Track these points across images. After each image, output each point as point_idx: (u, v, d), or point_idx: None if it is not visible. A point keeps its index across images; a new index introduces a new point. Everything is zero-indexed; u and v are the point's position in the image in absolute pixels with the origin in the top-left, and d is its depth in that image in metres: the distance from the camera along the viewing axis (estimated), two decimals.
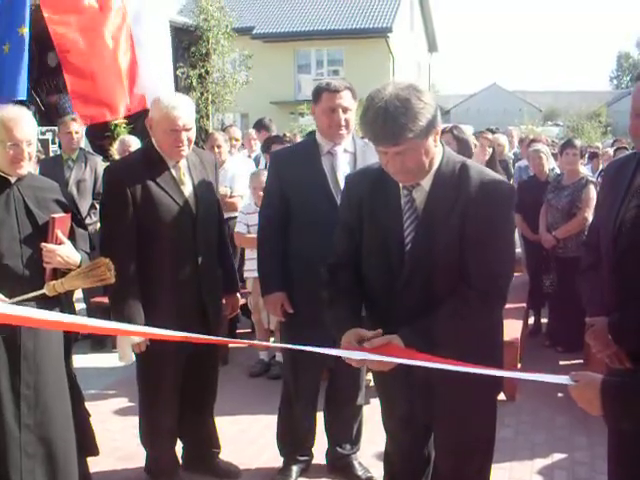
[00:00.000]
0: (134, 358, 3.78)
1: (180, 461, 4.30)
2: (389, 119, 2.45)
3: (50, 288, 3.25)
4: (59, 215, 3.38)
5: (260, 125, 9.18)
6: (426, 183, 2.70)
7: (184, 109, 3.72)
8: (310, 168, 3.88)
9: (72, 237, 3.48)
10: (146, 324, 3.68)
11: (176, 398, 4.04)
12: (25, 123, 3.30)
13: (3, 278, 3.21)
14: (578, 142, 7.32)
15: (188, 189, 3.86)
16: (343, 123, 3.83)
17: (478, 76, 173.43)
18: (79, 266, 3.37)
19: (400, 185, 2.74)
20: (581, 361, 6.44)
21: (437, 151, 2.68)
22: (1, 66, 5.33)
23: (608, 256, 2.67)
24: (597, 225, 2.94)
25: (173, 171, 3.82)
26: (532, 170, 8.02)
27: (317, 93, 3.87)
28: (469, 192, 2.63)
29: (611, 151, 10.21)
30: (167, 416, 4.05)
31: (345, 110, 3.82)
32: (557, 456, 4.61)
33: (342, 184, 3.39)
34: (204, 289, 3.92)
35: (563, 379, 2.20)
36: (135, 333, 3.41)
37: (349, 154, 3.96)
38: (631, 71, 73.47)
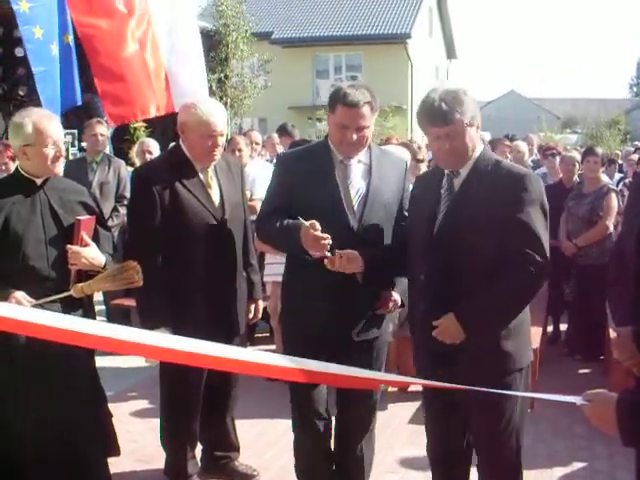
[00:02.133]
0: (158, 361, 3.78)
1: (199, 463, 4.32)
2: (442, 103, 3.02)
3: (78, 290, 3.28)
4: (84, 217, 3.43)
5: (283, 130, 9.21)
6: (464, 171, 3.17)
7: (220, 115, 3.81)
8: (323, 178, 3.43)
9: (96, 239, 3.51)
10: (172, 327, 3.71)
11: (199, 401, 4.06)
12: (54, 125, 3.41)
13: (29, 279, 3.26)
14: (599, 150, 7.30)
15: (215, 193, 3.90)
16: (355, 141, 3.38)
17: (496, 83, 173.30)
18: (104, 268, 3.39)
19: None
20: (599, 370, 6.42)
21: (478, 145, 3.18)
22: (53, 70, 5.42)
23: (631, 265, 2.67)
24: (620, 236, 2.95)
25: (201, 175, 3.87)
26: (555, 177, 8.00)
27: (333, 102, 3.40)
28: (501, 180, 3.09)
29: (635, 157, 10.13)
30: (189, 419, 4.07)
31: (361, 129, 3.37)
32: (577, 465, 4.59)
33: (355, 200, 3.44)
34: (230, 293, 3.96)
35: (576, 399, 2.19)
36: (153, 353, 3.04)
37: (363, 165, 3.52)
38: None
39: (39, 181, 3.42)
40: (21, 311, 2.73)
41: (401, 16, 31.96)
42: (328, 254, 3.24)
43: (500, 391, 2.67)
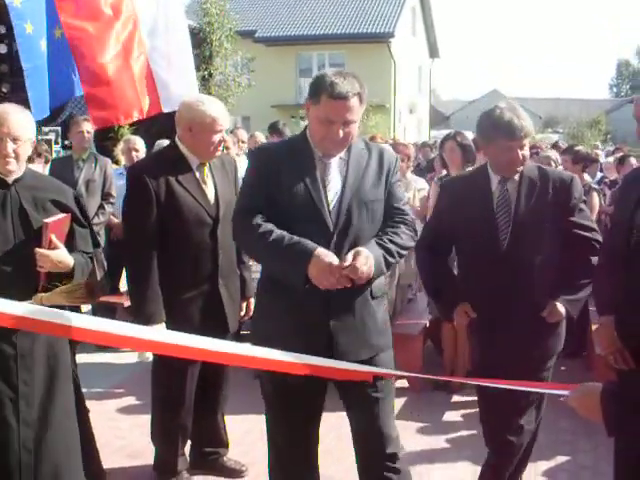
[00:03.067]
0: (151, 356, 3.80)
1: (188, 459, 4.34)
2: (516, 119, 3.43)
3: (37, 300, 3.26)
4: (53, 219, 3.32)
5: (274, 129, 9.22)
6: (516, 176, 3.55)
7: (223, 112, 3.90)
8: (301, 176, 3.10)
9: (72, 238, 3.47)
10: (166, 321, 3.74)
11: (192, 396, 4.09)
12: (13, 119, 3.26)
13: None
14: (581, 149, 7.38)
15: (210, 190, 3.94)
16: (341, 138, 3.02)
17: (478, 82, 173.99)
18: (72, 270, 3.37)
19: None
20: (582, 365, 6.49)
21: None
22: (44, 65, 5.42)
23: (620, 257, 2.73)
24: (611, 229, 3.02)
25: (196, 172, 3.91)
26: None
27: (316, 92, 3.00)
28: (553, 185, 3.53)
29: (611, 160, 10.27)
30: (182, 415, 4.10)
31: (348, 124, 3.00)
32: (560, 459, 4.67)
33: (332, 201, 3.08)
34: (223, 289, 3.99)
35: (563, 392, 2.25)
36: (146, 346, 3.20)
37: (342, 161, 3.16)
38: (631, 79, 73.65)
39: (10, 179, 3.32)
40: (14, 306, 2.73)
41: (384, 15, 32.07)
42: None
43: (502, 386, 2.67)
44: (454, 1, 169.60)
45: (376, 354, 3.19)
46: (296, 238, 2.95)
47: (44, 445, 3.37)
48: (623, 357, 2.78)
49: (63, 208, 3.46)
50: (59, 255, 3.30)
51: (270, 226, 3.01)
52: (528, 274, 3.44)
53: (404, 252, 3.23)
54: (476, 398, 5.42)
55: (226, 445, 4.47)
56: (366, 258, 2.92)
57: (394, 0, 32.77)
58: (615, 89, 77.87)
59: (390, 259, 3.08)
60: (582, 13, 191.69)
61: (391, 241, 3.10)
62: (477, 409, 4.96)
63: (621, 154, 10.06)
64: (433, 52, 41.56)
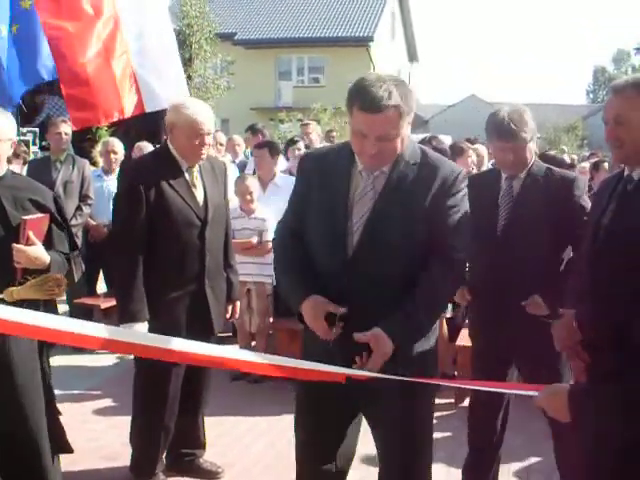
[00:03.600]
0: (132, 355, 3.82)
1: (164, 461, 4.34)
2: (511, 123, 3.52)
3: (8, 294, 3.34)
4: (31, 217, 3.42)
5: (254, 130, 9.26)
6: (523, 174, 3.68)
7: (207, 115, 3.89)
8: (334, 189, 2.79)
9: (49, 238, 3.54)
10: (150, 321, 3.80)
11: (177, 398, 4.09)
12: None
13: None
14: (556, 155, 7.46)
15: (200, 193, 3.99)
16: (375, 154, 2.63)
17: (457, 87, 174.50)
18: (48, 267, 3.44)
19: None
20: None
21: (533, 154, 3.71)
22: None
23: (586, 253, 2.79)
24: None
25: (186, 174, 3.95)
26: None
27: (349, 101, 2.64)
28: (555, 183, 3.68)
29: (587, 166, 10.39)
30: (166, 416, 4.08)
31: (384, 138, 2.59)
32: (534, 460, 4.72)
33: (360, 214, 2.73)
34: (209, 290, 4.03)
35: (532, 393, 2.30)
36: (128, 348, 3.14)
37: (383, 175, 2.75)
38: (607, 85, 74.34)
39: None
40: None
41: (364, 19, 32.22)
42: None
43: (473, 387, 2.70)
44: (433, 6, 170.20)
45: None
46: (298, 273, 2.80)
47: (12, 444, 3.45)
48: (577, 352, 2.79)
49: (42, 208, 3.54)
50: (35, 251, 3.38)
51: (288, 246, 2.91)
52: (520, 261, 3.57)
53: (439, 307, 2.89)
54: (451, 400, 5.52)
55: (203, 447, 4.47)
56: (381, 355, 2.58)
57: (374, 4, 32.96)
58: (592, 95, 78.56)
59: (418, 330, 2.71)
60: (559, 19, 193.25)
61: (422, 303, 2.65)
62: (451, 411, 5.03)
63: (596, 159, 10.17)
64: (412, 56, 41.82)
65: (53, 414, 3.78)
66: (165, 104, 6.35)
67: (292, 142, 7.83)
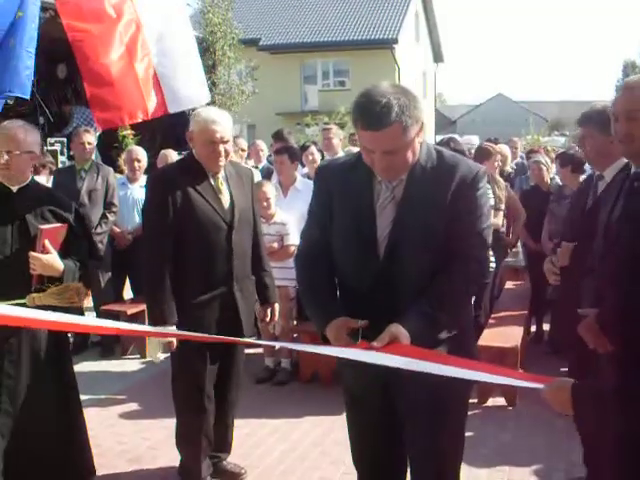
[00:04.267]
0: (161, 358, 3.89)
1: (211, 466, 4.33)
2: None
3: (30, 299, 3.54)
4: (48, 226, 3.63)
5: (278, 137, 9.25)
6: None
7: (222, 122, 3.93)
8: (357, 199, 2.78)
9: (66, 246, 3.72)
10: (179, 327, 3.87)
11: (212, 400, 4.13)
12: (20, 134, 3.58)
13: None
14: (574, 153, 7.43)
15: (226, 198, 4.06)
16: (386, 167, 2.63)
17: (484, 86, 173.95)
18: (62, 274, 3.63)
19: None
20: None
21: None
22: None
23: (598, 253, 2.80)
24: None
25: (212, 180, 4.02)
26: (533, 180, 8.13)
27: (353, 117, 2.65)
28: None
29: None
30: (204, 419, 4.12)
31: (391, 152, 2.58)
32: (555, 458, 4.71)
33: (385, 225, 2.73)
34: (238, 293, 4.09)
35: (538, 385, 2.31)
36: (149, 333, 3.49)
37: (401, 183, 2.74)
38: None
39: (15, 189, 3.65)
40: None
41: (388, 21, 32.20)
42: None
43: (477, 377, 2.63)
44: (457, 6, 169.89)
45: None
46: (321, 296, 2.82)
47: (23, 434, 3.60)
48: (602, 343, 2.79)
49: (60, 218, 3.75)
50: (50, 259, 3.58)
51: (311, 266, 2.90)
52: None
53: (457, 305, 2.80)
54: (474, 400, 5.53)
55: (228, 449, 4.51)
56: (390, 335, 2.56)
57: (397, 6, 32.92)
58: None
59: (436, 328, 2.68)
60: (586, 15, 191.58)
61: (439, 301, 2.65)
62: (474, 411, 5.01)
63: None
64: (437, 57, 41.70)
65: (79, 420, 3.91)
66: (187, 105, 6.45)
67: (304, 147, 7.85)
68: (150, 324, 3.99)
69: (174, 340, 3.88)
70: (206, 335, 3.54)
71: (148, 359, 3.97)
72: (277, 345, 6.34)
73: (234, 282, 4.07)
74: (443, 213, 2.66)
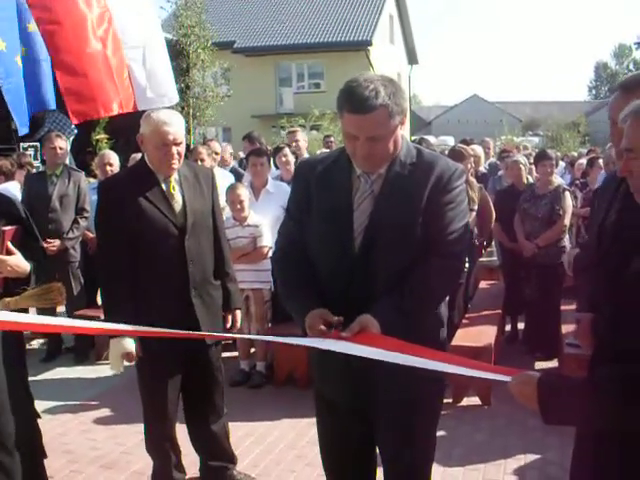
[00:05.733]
0: (122, 369, 3.84)
1: (185, 470, 4.27)
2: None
3: (4, 304, 3.40)
4: (9, 227, 3.51)
5: (250, 138, 9.25)
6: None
7: (174, 124, 3.82)
8: (336, 194, 2.79)
9: (23, 248, 3.63)
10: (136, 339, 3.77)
11: (175, 408, 4.06)
12: None
13: None
14: (552, 153, 7.52)
15: (178, 202, 3.93)
16: (367, 154, 2.64)
17: (458, 87, 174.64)
18: (28, 276, 3.52)
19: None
20: (556, 366, 6.59)
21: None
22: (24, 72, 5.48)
23: (592, 258, 2.80)
24: (588, 234, 3.11)
25: (163, 185, 3.90)
26: (509, 180, 8.19)
27: (339, 103, 2.64)
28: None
29: (584, 162, 10.43)
30: (165, 425, 4.06)
31: (375, 139, 2.60)
32: (530, 457, 4.73)
33: (361, 220, 2.73)
34: (196, 299, 3.96)
35: (504, 378, 2.31)
36: (124, 331, 3.41)
37: (380, 177, 2.76)
38: (609, 81, 74.25)
39: None
40: None
41: (362, 23, 32.29)
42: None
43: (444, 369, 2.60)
44: (431, 7, 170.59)
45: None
46: (301, 294, 2.79)
47: None
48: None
49: (16, 220, 3.63)
50: (15, 260, 3.45)
51: (289, 265, 2.89)
52: None
53: (432, 299, 2.80)
54: (449, 400, 5.54)
55: (232, 458, 4.41)
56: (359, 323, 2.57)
57: (371, 8, 33.03)
58: (594, 91, 78.49)
59: (407, 320, 2.62)
60: (558, 16, 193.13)
61: (411, 294, 2.64)
62: (447, 411, 5.03)
63: (591, 156, 10.20)
64: (412, 58, 41.83)
65: (32, 416, 3.85)
66: (155, 104, 6.43)
67: (278, 149, 7.84)
68: (109, 336, 3.86)
69: (133, 351, 3.74)
70: (180, 331, 3.32)
71: (112, 372, 3.90)
72: (248, 338, 6.30)
73: (191, 289, 3.93)
74: (420, 209, 2.67)
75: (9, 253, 3.46)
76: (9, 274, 3.46)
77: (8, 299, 3.43)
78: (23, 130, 5.74)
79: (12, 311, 3.38)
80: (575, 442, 2.68)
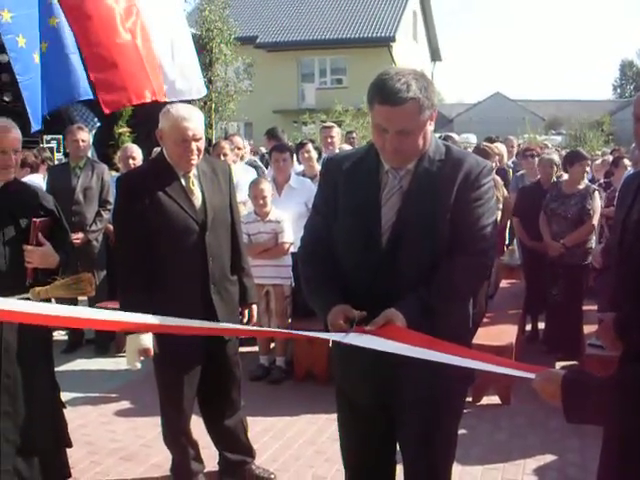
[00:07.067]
0: (139, 365, 3.84)
1: (204, 463, 4.30)
2: None
3: (35, 294, 3.47)
4: (40, 219, 3.61)
5: (272, 134, 9.24)
6: None
7: (193, 120, 3.79)
8: (363, 190, 2.78)
9: (52, 239, 3.70)
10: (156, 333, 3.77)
11: (191, 403, 4.07)
12: (11, 132, 3.58)
13: None
14: (586, 154, 7.45)
15: (197, 198, 3.91)
16: (397, 149, 2.62)
17: (481, 85, 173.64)
18: (58, 266, 3.60)
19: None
20: (577, 367, 6.54)
21: None
22: (44, 68, 5.52)
23: (614, 257, 2.77)
24: (610, 232, 3.07)
25: (182, 180, 3.89)
26: (533, 177, 8.12)
27: (370, 96, 2.63)
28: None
29: (601, 162, 10.35)
30: (181, 419, 4.07)
31: (404, 133, 2.59)
32: (549, 457, 4.71)
33: (389, 216, 2.72)
34: (215, 296, 3.95)
35: (528, 375, 2.30)
36: (146, 326, 3.26)
37: (408, 173, 2.74)
38: (635, 80, 73.47)
39: None
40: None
41: (385, 20, 32.23)
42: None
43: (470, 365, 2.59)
44: (454, 4, 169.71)
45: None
46: (325, 286, 2.80)
47: (24, 435, 3.57)
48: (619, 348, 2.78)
49: (47, 212, 3.74)
50: (46, 251, 3.55)
51: (314, 260, 2.89)
52: None
53: (457, 296, 2.78)
54: (469, 399, 5.53)
55: (250, 452, 4.42)
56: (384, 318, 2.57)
57: (395, 4, 32.96)
58: (619, 90, 77.72)
59: (432, 315, 2.61)
60: (584, 14, 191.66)
61: (438, 290, 2.62)
62: (468, 410, 5.01)
63: (616, 155, 10.11)
64: (435, 55, 41.70)
65: (58, 406, 3.89)
66: (183, 96, 6.45)
67: (301, 145, 7.83)
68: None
69: (150, 347, 3.75)
70: (213, 325, 3.35)
71: (128, 366, 3.92)
72: (281, 333, 6.28)
73: (211, 285, 3.93)
74: (448, 206, 2.66)
75: (39, 244, 3.55)
76: (39, 265, 3.54)
77: (39, 288, 3.49)
78: (36, 127, 5.77)
79: (40, 301, 3.44)
80: (602, 443, 2.65)
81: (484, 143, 9.53)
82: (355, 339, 2.54)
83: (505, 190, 7.48)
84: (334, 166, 2.92)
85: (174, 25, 6.37)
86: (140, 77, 5.77)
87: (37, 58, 5.45)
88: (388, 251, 2.70)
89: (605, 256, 3.42)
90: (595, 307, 6.46)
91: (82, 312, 2.89)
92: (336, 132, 8.61)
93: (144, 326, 3.02)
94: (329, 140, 8.32)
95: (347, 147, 9.70)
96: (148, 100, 5.96)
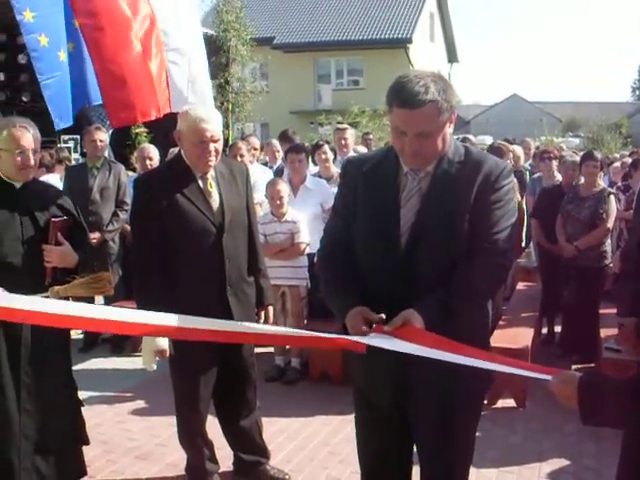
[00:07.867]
0: (155, 367, 3.85)
1: (219, 464, 4.30)
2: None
3: (54, 292, 3.50)
4: (59, 219, 3.66)
5: (284, 137, 9.24)
6: None
7: (212, 121, 3.79)
8: (382, 192, 2.78)
9: (71, 239, 3.73)
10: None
11: (207, 404, 4.08)
12: (30, 133, 3.61)
13: (6, 275, 3.45)
14: (598, 154, 7.38)
15: (215, 199, 3.90)
16: (415, 151, 2.62)
17: (498, 87, 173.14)
18: (77, 266, 3.63)
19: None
20: (592, 370, 6.50)
21: None
22: (71, 67, 5.54)
23: (634, 260, 2.76)
24: (630, 235, 3.07)
25: (200, 182, 3.88)
26: (550, 180, 8.08)
27: (388, 98, 2.62)
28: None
29: (619, 165, 10.27)
30: (197, 420, 4.07)
31: (423, 135, 2.58)
32: (564, 461, 4.68)
33: (408, 217, 2.71)
34: (232, 297, 3.96)
35: (544, 377, 2.29)
36: (165, 330, 3.25)
37: (428, 175, 2.73)
38: None
39: (18, 185, 3.65)
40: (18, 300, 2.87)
41: (402, 21, 32.17)
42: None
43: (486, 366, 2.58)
44: (472, 6, 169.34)
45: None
46: (340, 285, 2.81)
47: (43, 433, 3.60)
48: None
49: (66, 212, 3.78)
50: (65, 251, 3.59)
51: (334, 262, 2.89)
52: None
53: (475, 297, 2.75)
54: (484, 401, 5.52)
55: (265, 453, 4.43)
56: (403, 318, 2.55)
57: (412, 6, 32.89)
58: (638, 92, 77.14)
59: (450, 316, 2.59)
60: (602, 15, 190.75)
61: (457, 291, 2.61)
62: (483, 412, 5.00)
63: (634, 158, 10.02)
64: (452, 57, 41.61)
65: (75, 404, 3.93)
66: (189, 106, 6.47)
67: (317, 146, 7.82)
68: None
69: (166, 348, 3.75)
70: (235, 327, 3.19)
71: (144, 366, 3.93)
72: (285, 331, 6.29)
73: (227, 286, 3.93)
74: (468, 208, 2.65)
75: (58, 244, 3.59)
76: (58, 264, 3.58)
77: (57, 287, 3.53)
78: (62, 124, 5.79)
79: (60, 299, 3.46)
80: (621, 449, 2.64)
81: (499, 141, 9.49)
82: (373, 340, 2.54)
83: (519, 195, 7.43)
84: (354, 168, 2.92)
85: (191, 37, 6.36)
86: (147, 95, 5.77)
87: (63, 56, 5.43)
88: (407, 253, 2.69)
89: (623, 260, 3.39)
90: (613, 310, 6.43)
91: (100, 312, 2.88)
92: (350, 134, 8.59)
93: (163, 330, 2.98)
94: (343, 142, 8.30)
95: (362, 148, 9.71)
96: (152, 118, 6.00)
